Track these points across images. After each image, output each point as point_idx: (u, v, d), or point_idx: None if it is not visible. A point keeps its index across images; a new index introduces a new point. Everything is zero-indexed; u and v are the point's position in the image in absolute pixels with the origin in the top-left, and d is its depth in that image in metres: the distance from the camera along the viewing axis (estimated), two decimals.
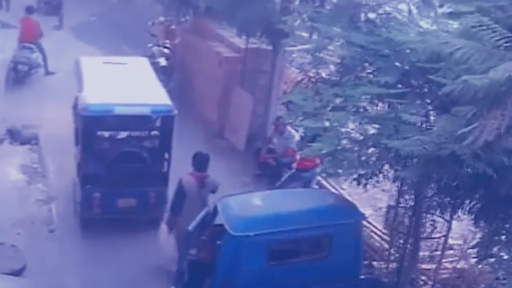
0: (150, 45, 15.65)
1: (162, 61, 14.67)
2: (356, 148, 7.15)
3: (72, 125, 10.37)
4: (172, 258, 8.87)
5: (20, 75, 15.02)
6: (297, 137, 11.15)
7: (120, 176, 9.41)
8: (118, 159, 9.51)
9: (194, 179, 8.76)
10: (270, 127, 12.32)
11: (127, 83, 10.03)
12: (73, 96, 10.07)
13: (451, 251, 9.48)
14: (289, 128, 11.46)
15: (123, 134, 10.10)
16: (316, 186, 11.18)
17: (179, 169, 11.66)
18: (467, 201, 7.24)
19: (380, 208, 10.72)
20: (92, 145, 9.69)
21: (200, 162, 8.87)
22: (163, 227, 9.46)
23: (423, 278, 9.04)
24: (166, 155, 9.84)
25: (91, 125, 9.51)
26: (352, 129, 7.35)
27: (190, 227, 7.92)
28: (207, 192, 8.79)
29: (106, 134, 10.00)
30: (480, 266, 8.33)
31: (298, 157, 10.99)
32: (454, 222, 8.69)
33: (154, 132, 10.10)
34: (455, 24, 6.80)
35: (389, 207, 9.23)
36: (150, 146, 10.00)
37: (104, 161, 9.62)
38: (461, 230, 9.75)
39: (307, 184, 10.87)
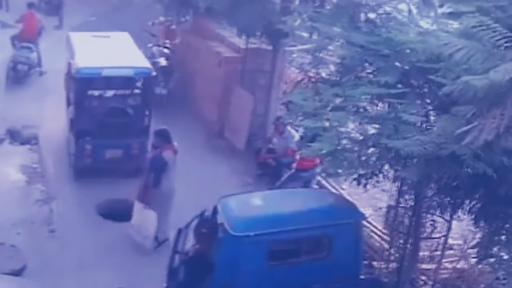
0: (150, 45, 15.64)
1: (162, 61, 14.66)
2: (356, 148, 7.15)
3: (64, 92, 12.21)
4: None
5: (19, 75, 15.02)
6: (297, 137, 11.15)
7: (108, 130, 10.90)
8: (106, 115, 10.97)
9: (171, 151, 9.69)
10: (270, 127, 12.32)
11: (112, 51, 11.73)
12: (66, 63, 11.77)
13: (451, 251, 9.48)
14: (289, 128, 11.46)
15: (110, 93, 11.38)
16: (316, 186, 11.18)
17: (180, 166, 11.74)
18: (467, 201, 7.24)
19: (380, 208, 10.72)
20: (84, 103, 11.07)
21: (167, 135, 9.75)
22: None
23: (423, 278, 9.03)
24: (147, 111, 11.29)
25: (83, 86, 10.98)
26: (352, 129, 7.35)
27: (183, 226, 7.96)
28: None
29: (96, 93, 11.27)
30: (480, 266, 8.33)
31: (297, 157, 10.99)
32: (454, 222, 8.69)
33: (136, 91, 11.42)
34: (455, 24, 6.80)
35: (389, 207, 9.23)
36: (133, 103, 11.32)
37: (94, 117, 11.00)
38: (461, 230, 9.75)
39: (306, 184, 10.87)
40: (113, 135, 10.92)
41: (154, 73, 11.25)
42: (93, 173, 10.95)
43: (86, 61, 10.99)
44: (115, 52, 11.71)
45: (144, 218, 9.59)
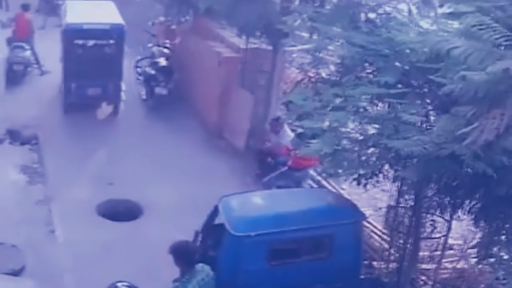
0: (150, 45, 15.66)
1: (162, 61, 14.68)
2: (356, 148, 7.14)
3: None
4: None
5: (17, 75, 15.07)
6: (291, 136, 11.17)
7: (90, 72, 13.40)
8: (88, 60, 13.44)
9: None
10: (269, 127, 12.31)
11: (95, 12, 14.39)
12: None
13: (451, 251, 9.48)
14: (285, 127, 11.47)
15: (91, 43, 13.66)
16: (307, 186, 11.17)
17: (180, 166, 11.73)
18: (467, 201, 7.24)
19: (380, 208, 10.72)
20: (71, 51, 13.67)
21: None
22: None
23: (423, 278, 9.03)
24: (120, 58, 13.91)
25: (70, 37, 13.63)
26: (352, 129, 7.34)
27: (200, 228, 7.94)
28: None
29: (80, 42, 13.61)
30: (480, 266, 8.33)
31: (292, 154, 10.95)
32: (454, 222, 8.69)
33: (112, 42, 13.78)
34: (455, 24, 6.79)
35: (389, 207, 9.22)
36: (110, 51, 13.81)
37: (79, 62, 13.50)
38: (461, 230, 9.76)
39: (297, 184, 10.84)
40: (93, 77, 13.49)
41: (126, 27, 13.67)
42: (79, 108, 13.51)
43: (73, 19, 13.76)
44: (98, 13, 14.35)
45: None
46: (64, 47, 13.97)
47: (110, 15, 14.34)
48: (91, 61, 13.44)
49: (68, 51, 13.76)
